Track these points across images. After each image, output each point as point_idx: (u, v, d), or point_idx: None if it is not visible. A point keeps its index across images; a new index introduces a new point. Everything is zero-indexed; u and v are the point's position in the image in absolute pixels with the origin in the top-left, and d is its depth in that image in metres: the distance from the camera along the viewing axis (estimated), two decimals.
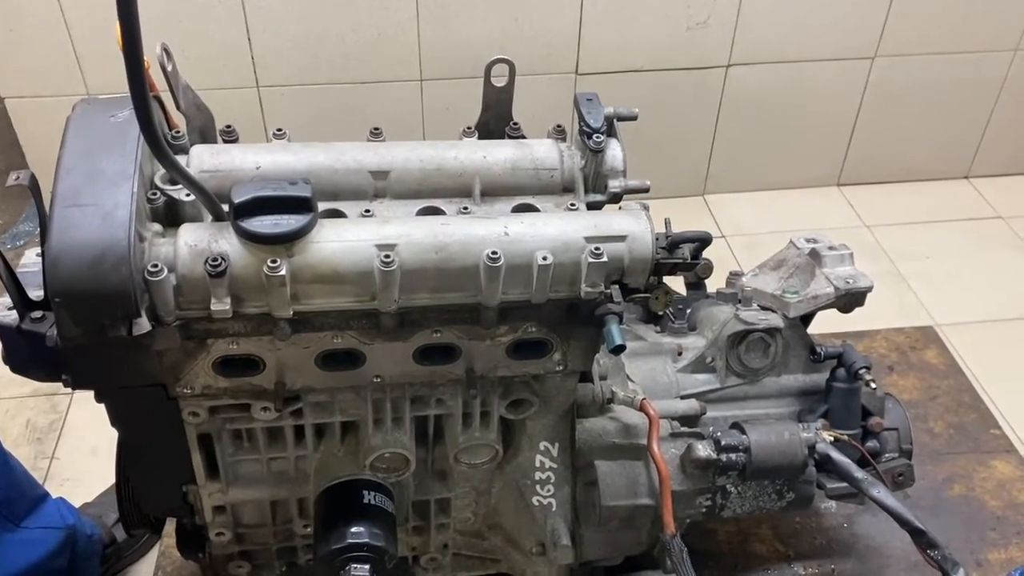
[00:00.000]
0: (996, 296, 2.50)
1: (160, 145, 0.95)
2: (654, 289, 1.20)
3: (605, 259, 1.13)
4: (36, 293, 1.12)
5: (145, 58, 1.23)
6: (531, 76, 2.48)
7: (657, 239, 1.18)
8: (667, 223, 1.25)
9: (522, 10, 2.44)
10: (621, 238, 1.16)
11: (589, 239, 1.14)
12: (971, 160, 2.98)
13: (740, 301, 1.59)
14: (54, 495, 1.59)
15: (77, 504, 1.69)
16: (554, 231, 1.14)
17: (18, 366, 1.16)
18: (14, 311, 1.12)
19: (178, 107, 1.22)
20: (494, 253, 1.09)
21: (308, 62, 2.44)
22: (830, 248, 1.57)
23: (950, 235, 2.75)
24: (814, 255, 1.57)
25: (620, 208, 1.22)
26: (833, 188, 2.97)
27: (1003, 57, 2.77)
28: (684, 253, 1.21)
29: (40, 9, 2.27)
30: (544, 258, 1.11)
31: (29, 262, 1.22)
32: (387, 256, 1.07)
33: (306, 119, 2.51)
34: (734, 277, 1.69)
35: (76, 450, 2.01)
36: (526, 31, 2.47)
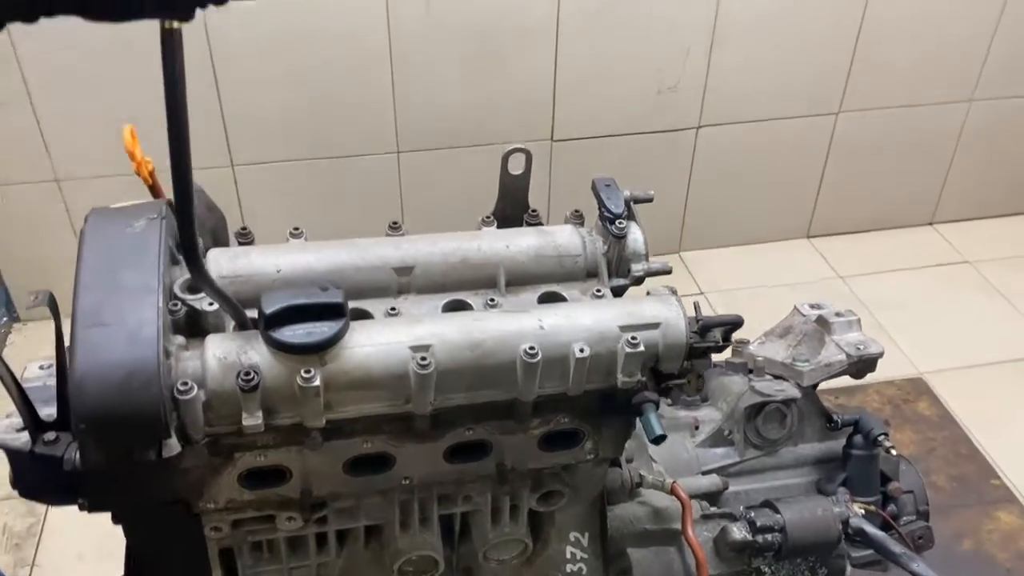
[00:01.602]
0: (973, 341, 2.55)
1: (198, 262, 0.91)
2: (687, 374, 1.19)
3: (642, 348, 1.11)
4: (45, 411, 1.06)
5: (147, 159, 1.19)
6: (507, 144, 2.48)
7: (688, 324, 1.17)
8: (696, 307, 1.24)
9: (496, 80, 2.45)
10: (655, 325, 1.14)
11: (624, 328, 1.12)
12: (934, 207, 3.06)
13: (752, 371, 1.58)
14: None
15: None
16: (589, 322, 1.12)
17: (28, 491, 1.09)
18: (24, 432, 1.05)
19: None
20: (531, 348, 1.07)
21: (282, 139, 2.41)
22: (837, 315, 1.58)
23: (921, 282, 2.81)
24: (821, 322, 1.57)
25: (648, 293, 1.20)
26: (803, 240, 3.02)
27: (959, 108, 2.86)
28: (716, 336, 1.20)
29: (7, 95, 2.20)
30: (581, 350, 1.09)
31: (32, 376, 1.16)
32: (424, 358, 1.04)
33: (282, 196, 2.47)
34: (740, 345, 1.68)
35: (59, 556, 1.90)
36: (501, 101, 2.48)
